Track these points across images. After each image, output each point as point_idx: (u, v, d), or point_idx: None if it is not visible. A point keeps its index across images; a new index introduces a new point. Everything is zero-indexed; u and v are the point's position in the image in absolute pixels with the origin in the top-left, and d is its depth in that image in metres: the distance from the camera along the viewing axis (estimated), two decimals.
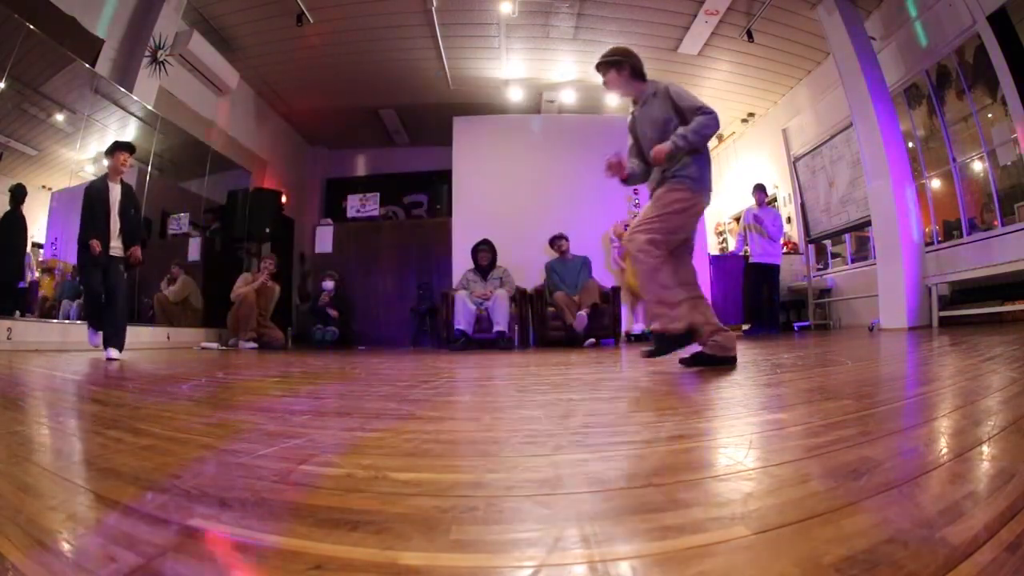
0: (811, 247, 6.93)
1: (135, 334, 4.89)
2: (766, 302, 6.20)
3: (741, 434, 0.86)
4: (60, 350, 3.85)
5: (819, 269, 7.19)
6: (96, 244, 3.47)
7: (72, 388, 1.81)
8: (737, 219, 7.90)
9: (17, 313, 4.08)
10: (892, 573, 0.35)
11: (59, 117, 4.48)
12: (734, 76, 7.09)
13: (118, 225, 3.64)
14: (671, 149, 1.98)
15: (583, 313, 4.83)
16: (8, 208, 4.12)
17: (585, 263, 5.54)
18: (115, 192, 3.64)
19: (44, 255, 4.52)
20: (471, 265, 5.54)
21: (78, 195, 4.20)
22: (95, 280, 3.56)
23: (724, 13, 5.80)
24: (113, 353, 3.43)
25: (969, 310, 4.53)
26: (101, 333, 3.50)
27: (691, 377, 1.94)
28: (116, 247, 3.62)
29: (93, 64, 4.60)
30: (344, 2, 5.74)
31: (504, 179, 6.42)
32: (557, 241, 5.56)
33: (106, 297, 3.60)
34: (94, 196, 3.56)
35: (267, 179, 7.78)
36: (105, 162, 3.81)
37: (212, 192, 6.53)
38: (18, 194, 4.15)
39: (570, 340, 4.78)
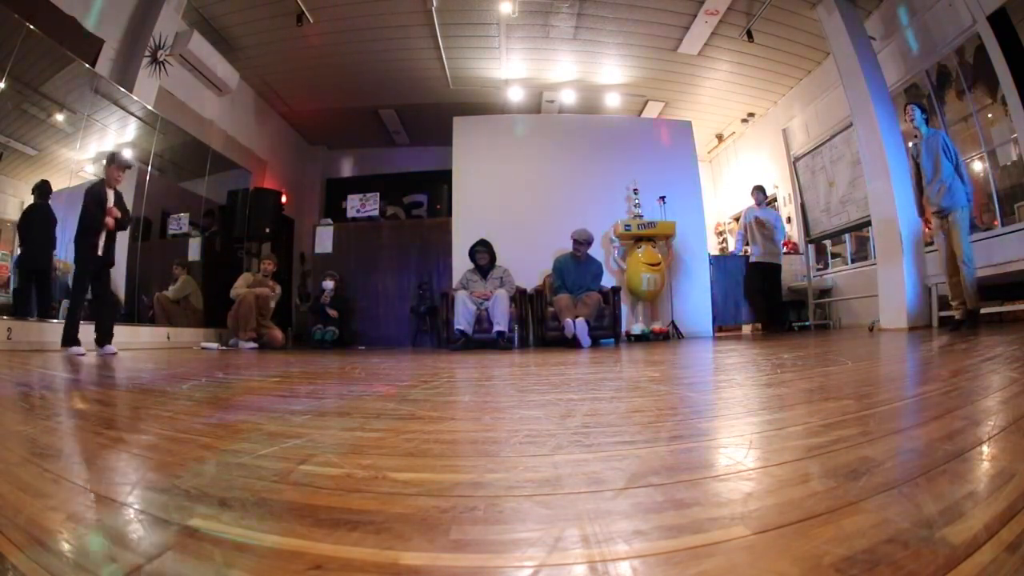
0: (811, 247, 6.93)
1: (135, 334, 4.91)
2: (770, 301, 6.21)
3: (741, 434, 0.86)
4: (60, 350, 3.85)
5: (819, 269, 7.19)
6: (111, 220, 3.68)
7: (72, 388, 1.81)
8: (737, 219, 7.91)
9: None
10: (892, 573, 0.35)
11: (59, 117, 4.48)
12: (734, 76, 7.10)
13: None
14: None
15: (570, 321, 4.71)
16: (36, 201, 4.19)
17: (598, 272, 5.41)
18: (110, 198, 3.81)
19: None
20: (471, 265, 5.53)
21: (78, 196, 4.24)
22: (87, 285, 3.73)
23: (724, 13, 5.80)
24: (110, 348, 3.71)
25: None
26: (76, 347, 3.58)
27: (691, 377, 1.94)
28: (101, 247, 3.79)
29: (93, 64, 4.60)
30: (344, 2, 5.74)
31: (504, 179, 6.42)
32: (579, 245, 5.35)
33: (96, 298, 3.79)
34: (96, 199, 3.69)
35: (267, 179, 7.79)
36: (102, 164, 3.93)
37: (212, 192, 6.54)
38: (44, 190, 4.23)
39: (569, 341, 4.75)
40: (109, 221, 3.67)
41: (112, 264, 3.95)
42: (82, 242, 3.70)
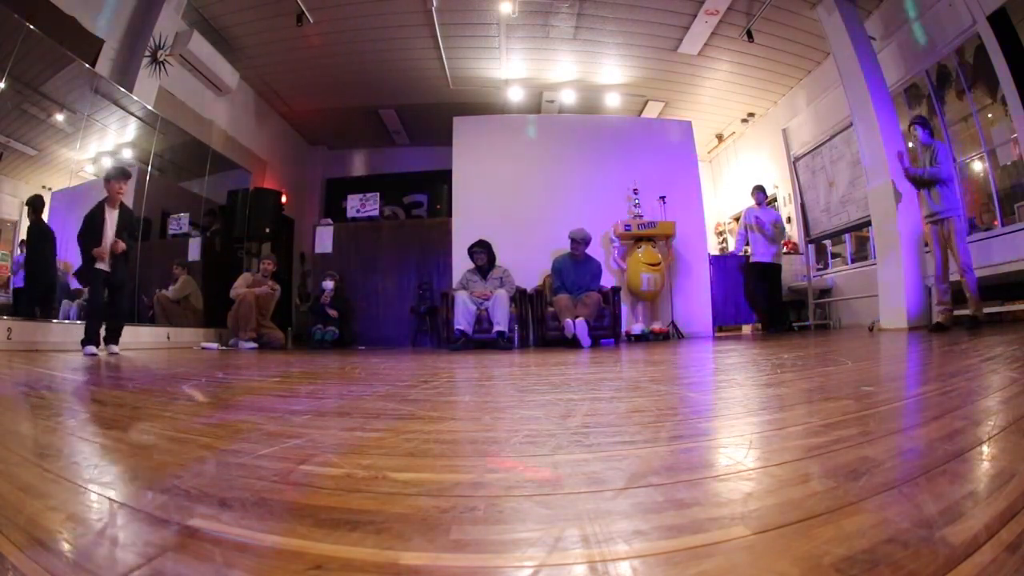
0: (811, 247, 6.93)
1: (135, 334, 4.91)
2: (770, 302, 6.21)
3: (741, 434, 0.86)
4: (60, 350, 3.86)
5: (819, 269, 7.19)
6: (101, 252, 3.76)
7: (72, 388, 1.81)
8: (737, 219, 7.91)
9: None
10: (892, 573, 0.35)
11: (59, 117, 4.48)
12: (734, 76, 7.09)
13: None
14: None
15: (570, 321, 4.71)
16: (31, 220, 4.25)
17: (597, 272, 5.39)
18: (112, 217, 3.86)
19: None
20: (471, 265, 5.53)
21: (78, 196, 4.26)
22: (101, 296, 3.82)
23: (724, 13, 5.80)
24: (114, 348, 3.83)
25: (969, 310, 4.52)
26: (93, 346, 3.67)
27: (691, 377, 1.94)
28: (109, 263, 3.86)
29: (93, 64, 4.60)
30: (344, 2, 5.74)
31: (504, 179, 6.42)
32: (576, 245, 5.34)
33: (112, 306, 3.88)
34: (91, 225, 3.78)
35: (267, 179, 7.79)
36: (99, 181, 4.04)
37: (212, 192, 6.54)
38: (37, 205, 4.27)
39: (569, 341, 4.75)
40: (99, 252, 3.74)
41: (124, 281, 4.01)
42: (85, 261, 3.79)
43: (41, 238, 4.27)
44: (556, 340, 5.03)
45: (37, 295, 4.29)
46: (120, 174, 3.95)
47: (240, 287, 5.82)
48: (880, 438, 0.75)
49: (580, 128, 6.81)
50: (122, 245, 3.85)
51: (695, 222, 6.44)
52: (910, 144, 4.43)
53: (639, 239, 5.97)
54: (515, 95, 7.46)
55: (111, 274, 3.83)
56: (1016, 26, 4.26)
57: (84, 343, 3.64)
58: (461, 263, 5.83)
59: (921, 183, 4.20)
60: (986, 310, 4.39)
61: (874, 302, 5.16)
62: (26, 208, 4.23)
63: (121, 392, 1.72)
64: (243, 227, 6.91)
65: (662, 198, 6.26)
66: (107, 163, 4.94)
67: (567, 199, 6.31)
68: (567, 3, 5.76)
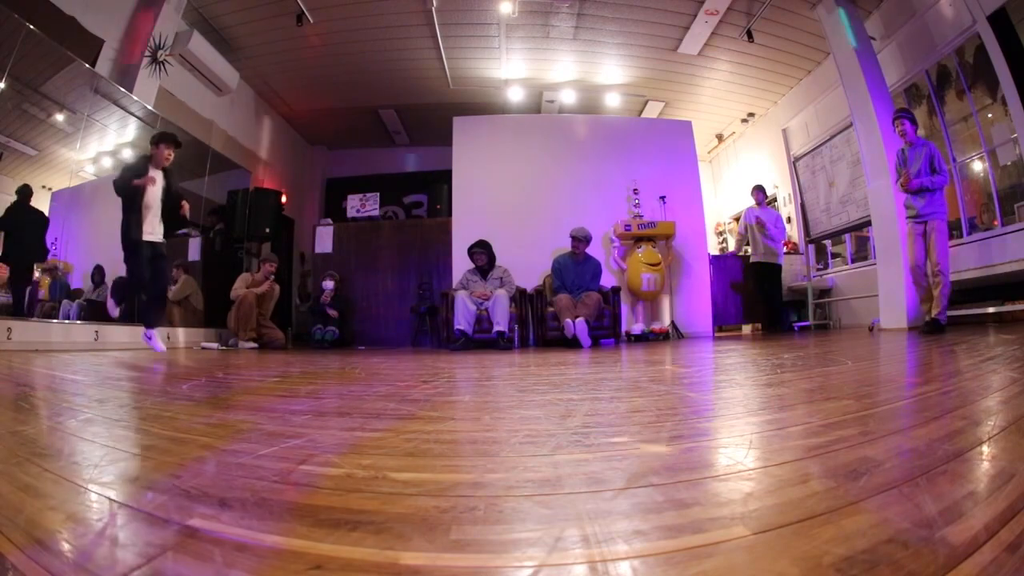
0: (811, 247, 6.93)
1: (135, 334, 4.90)
2: (770, 302, 6.21)
3: (741, 434, 0.86)
4: (60, 350, 3.85)
5: (819, 269, 7.19)
6: (147, 180, 3.49)
7: (72, 388, 1.81)
8: (737, 219, 7.91)
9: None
10: (892, 573, 0.35)
11: (59, 117, 4.48)
12: (734, 76, 7.09)
13: (159, 210, 3.67)
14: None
15: (570, 321, 4.70)
16: (14, 203, 4.16)
17: (597, 271, 5.41)
18: (157, 175, 3.67)
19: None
20: (471, 265, 5.53)
21: (78, 196, 4.21)
22: (141, 265, 3.56)
23: (724, 13, 5.80)
24: (151, 331, 3.69)
25: (969, 310, 4.53)
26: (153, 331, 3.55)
27: (691, 377, 1.94)
28: (158, 232, 3.66)
29: (93, 64, 4.60)
30: (344, 2, 5.74)
31: (504, 179, 6.42)
32: (577, 243, 5.37)
33: (153, 270, 3.66)
34: (129, 179, 3.52)
35: (267, 179, 7.79)
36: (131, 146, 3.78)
37: (212, 192, 6.53)
38: (24, 193, 4.22)
39: (569, 341, 4.75)
40: (144, 180, 3.51)
41: (162, 242, 3.76)
42: (124, 221, 3.53)
43: (22, 219, 4.16)
44: (556, 340, 5.03)
45: (18, 274, 4.16)
46: (170, 139, 3.70)
47: (240, 288, 5.82)
48: (880, 438, 0.75)
49: (580, 128, 6.81)
50: (187, 205, 3.73)
51: (695, 222, 6.44)
52: (897, 130, 4.31)
53: (639, 239, 5.98)
54: (515, 95, 7.46)
55: (156, 245, 3.60)
56: (1016, 26, 4.26)
57: (146, 327, 3.54)
58: (461, 263, 5.83)
59: (924, 191, 4.08)
60: (986, 310, 4.40)
61: (874, 302, 5.16)
62: (16, 194, 4.15)
63: (121, 392, 1.72)
64: (243, 227, 6.90)
65: (662, 198, 6.26)
66: (107, 163, 4.93)
67: (567, 199, 6.31)
68: (567, 3, 5.76)
